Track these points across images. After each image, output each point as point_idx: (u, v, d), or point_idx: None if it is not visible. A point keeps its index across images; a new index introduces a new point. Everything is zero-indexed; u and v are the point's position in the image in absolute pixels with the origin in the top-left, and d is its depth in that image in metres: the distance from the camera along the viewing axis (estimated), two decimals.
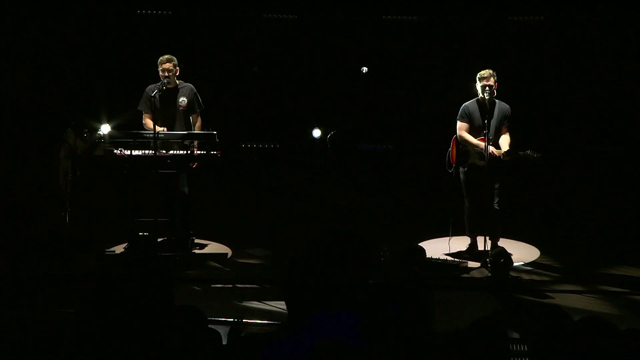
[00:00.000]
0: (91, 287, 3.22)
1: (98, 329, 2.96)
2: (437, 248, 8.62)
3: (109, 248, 8.57)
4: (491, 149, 8.10)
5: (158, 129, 8.10)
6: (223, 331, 3.91)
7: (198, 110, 8.66)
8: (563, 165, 12.06)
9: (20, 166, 10.57)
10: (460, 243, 8.69)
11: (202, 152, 8.19)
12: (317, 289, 2.86)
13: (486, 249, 8.09)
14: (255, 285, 7.61)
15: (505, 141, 8.28)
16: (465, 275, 7.95)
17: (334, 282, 2.83)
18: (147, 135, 8.11)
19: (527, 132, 9.85)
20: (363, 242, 2.92)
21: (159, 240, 8.30)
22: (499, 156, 8.12)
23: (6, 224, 9.32)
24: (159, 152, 8.06)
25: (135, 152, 8.13)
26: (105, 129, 8.60)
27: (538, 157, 8.06)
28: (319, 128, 10.98)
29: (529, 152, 8.12)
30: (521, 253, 8.59)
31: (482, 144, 8.21)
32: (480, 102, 8.36)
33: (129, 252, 8.19)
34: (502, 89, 8.44)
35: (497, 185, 8.33)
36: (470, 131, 8.40)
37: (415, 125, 12.67)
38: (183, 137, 8.22)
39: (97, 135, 8.44)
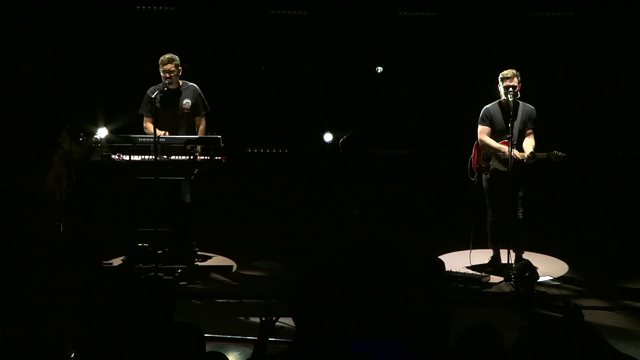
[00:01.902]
0: (97, 303, 3.24)
1: (100, 346, 2.99)
2: (457, 261, 8.62)
3: (106, 260, 8.60)
4: (514, 152, 8.09)
5: (159, 132, 8.13)
6: (230, 349, 3.92)
7: (203, 113, 8.69)
8: (593, 171, 12.03)
9: (11, 172, 10.63)
10: (482, 256, 8.68)
11: (206, 157, 8.21)
12: (351, 314, 2.80)
13: (510, 262, 8.08)
14: (261, 300, 7.63)
15: (529, 145, 8.28)
16: (488, 290, 7.94)
17: (372, 306, 2.78)
18: (147, 140, 8.14)
19: (553, 136, 9.83)
20: (402, 260, 2.85)
21: (160, 252, 8.32)
22: (522, 159, 8.12)
23: None
24: (160, 157, 8.08)
25: (135, 158, 8.17)
26: (102, 132, 8.62)
27: (562, 158, 8.06)
28: (331, 132, 10.99)
29: (553, 152, 8.12)
30: (548, 267, 8.57)
31: (504, 148, 8.21)
32: (503, 104, 8.36)
33: (128, 265, 8.22)
34: (527, 90, 8.45)
35: (521, 194, 8.33)
36: (492, 135, 8.41)
37: (433, 129, 12.68)
38: (185, 141, 8.24)
39: (94, 139, 8.44)
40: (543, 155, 8.16)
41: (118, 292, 3.49)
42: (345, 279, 2.84)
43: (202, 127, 8.68)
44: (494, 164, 8.37)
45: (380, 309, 2.79)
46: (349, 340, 2.80)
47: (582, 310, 6.63)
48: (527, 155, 8.13)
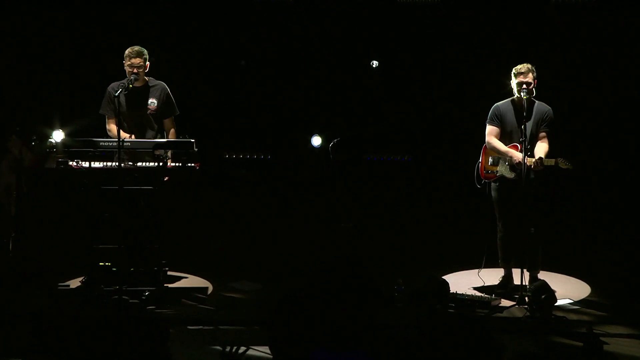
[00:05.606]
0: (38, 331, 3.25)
1: None
2: (463, 281, 8.66)
3: (62, 282, 8.59)
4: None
5: (124, 135, 8.12)
6: None
7: (172, 116, 8.72)
8: (619, 181, 12.06)
9: None
10: (492, 275, 8.72)
11: (177, 164, 8.22)
12: (315, 327, 2.99)
13: (524, 282, 8.12)
14: (241, 327, 7.65)
15: (541, 150, 8.31)
16: (499, 314, 7.98)
17: (334, 320, 2.95)
18: (110, 144, 8.14)
19: (573, 140, 9.88)
20: (368, 271, 3.02)
21: (124, 272, 8.32)
22: (530, 165, 8.12)
23: None
24: (125, 164, 8.09)
25: (95, 164, 8.17)
26: (58, 136, 8.65)
27: (570, 166, 8.08)
28: (320, 135, 11.03)
29: (560, 159, 8.12)
30: (567, 289, 8.62)
31: (511, 152, 8.24)
32: (516, 103, 8.41)
33: (88, 287, 8.21)
34: (544, 87, 8.49)
35: (534, 206, 8.34)
36: (501, 137, 8.44)
37: (437, 131, 12.71)
38: (153, 146, 8.24)
39: (48, 143, 8.46)
40: (551, 161, 8.18)
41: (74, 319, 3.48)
42: (310, 293, 3.05)
43: (172, 131, 8.69)
44: (501, 169, 8.39)
45: (342, 321, 2.98)
46: (312, 354, 2.96)
47: (605, 339, 6.71)
48: (535, 161, 8.15)
